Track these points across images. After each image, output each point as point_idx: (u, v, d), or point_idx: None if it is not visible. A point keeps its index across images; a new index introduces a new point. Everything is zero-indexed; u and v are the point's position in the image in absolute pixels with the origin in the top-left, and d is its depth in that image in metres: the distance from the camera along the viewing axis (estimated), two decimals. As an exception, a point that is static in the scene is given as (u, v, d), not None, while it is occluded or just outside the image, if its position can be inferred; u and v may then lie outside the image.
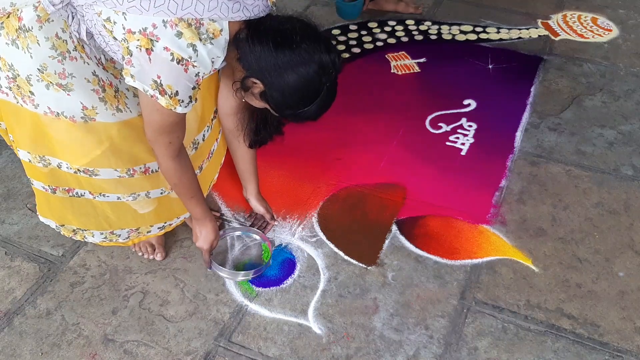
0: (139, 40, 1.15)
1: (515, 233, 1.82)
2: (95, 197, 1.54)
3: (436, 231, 1.83)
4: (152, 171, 1.52)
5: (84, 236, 1.66)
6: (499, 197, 1.94)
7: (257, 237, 1.81)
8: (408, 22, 2.78)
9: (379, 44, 2.64)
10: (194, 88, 1.23)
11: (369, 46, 2.63)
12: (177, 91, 1.20)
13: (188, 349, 1.55)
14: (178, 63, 1.16)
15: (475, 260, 1.75)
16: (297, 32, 1.24)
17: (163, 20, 1.13)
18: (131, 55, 1.18)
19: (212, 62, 1.20)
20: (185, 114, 1.29)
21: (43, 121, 1.36)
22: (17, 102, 1.36)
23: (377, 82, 2.43)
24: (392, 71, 2.48)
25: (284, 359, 1.53)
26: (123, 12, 1.15)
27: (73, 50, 1.27)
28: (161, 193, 1.59)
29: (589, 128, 2.20)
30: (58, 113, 1.34)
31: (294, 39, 1.23)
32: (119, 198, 1.54)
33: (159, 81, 1.18)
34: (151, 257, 1.76)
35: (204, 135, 1.62)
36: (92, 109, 1.33)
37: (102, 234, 1.65)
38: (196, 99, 1.28)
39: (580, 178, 2.00)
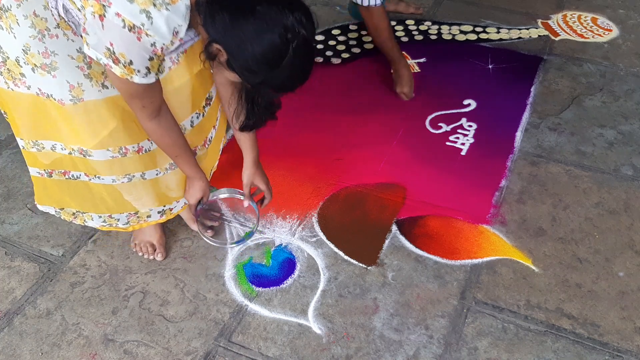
0: (92, 6, 1.09)
1: (515, 233, 1.82)
2: (90, 179, 1.53)
3: (436, 231, 1.83)
4: (146, 150, 1.50)
5: (84, 220, 1.65)
6: (499, 197, 1.94)
7: (247, 201, 1.75)
8: (408, 22, 2.78)
9: (378, 43, 2.64)
10: (151, 59, 1.16)
11: (369, 46, 2.63)
12: (130, 60, 1.14)
13: (188, 349, 1.55)
14: (130, 31, 1.10)
15: (475, 260, 1.75)
16: None
17: None
18: (86, 23, 1.13)
19: (175, 31, 1.13)
20: (155, 81, 1.24)
21: (42, 102, 1.36)
22: (8, 87, 1.36)
23: (377, 82, 2.43)
24: (392, 71, 2.47)
25: (284, 359, 1.53)
26: None
27: (54, 28, 1.25)
28: (157, 174, 1.57)
29: (589, 128, 2.20)
30: (48, 95, 1.34)
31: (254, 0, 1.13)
32: (114, 181, 1.53)
33: (112, 49, 1.13)
34: (151, 257, 1.76)
35: (191, 122, 1.57)
36: (79, 86, 1.32)
37: (100, 217, 1.63)
38: (160, 71, 1.22)
39: (580, 178, 2.00)
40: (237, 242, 1.77)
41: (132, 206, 1.62)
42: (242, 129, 1.50)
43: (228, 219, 1.88)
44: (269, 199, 1.74)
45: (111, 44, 1.12)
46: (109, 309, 1.65)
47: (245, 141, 1.63)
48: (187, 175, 1.59)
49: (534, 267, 1.73)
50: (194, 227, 1.82)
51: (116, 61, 1.14)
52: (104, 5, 1.08)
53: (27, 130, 1.46)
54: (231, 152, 2.10)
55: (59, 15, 1.24)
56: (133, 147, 1.47)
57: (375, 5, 2.14)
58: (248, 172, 1.69)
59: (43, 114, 1.40)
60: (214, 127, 1.72)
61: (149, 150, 1.51)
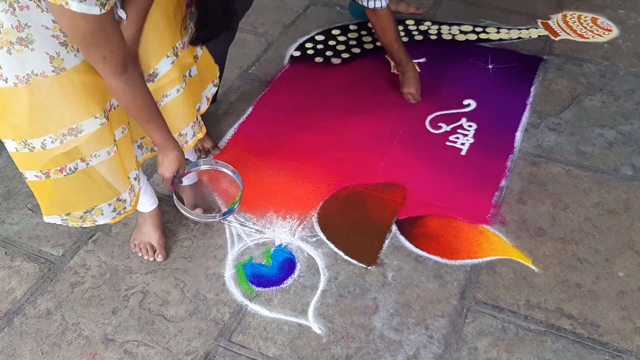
0: None
1: (515, 233, 1.82)
2: (88, 163, 1.46)
3: (436, 231, 1.83)
4: (115, 107, 1.44)
5: (93, 219, 1.58)
6: (499, 197, 1.94)
7: (228, 172, 1.67)
8: (408, 22, 2.78)
9: (379, 44, 2.63)
10: None
11: (369, 46, 2.63)
12: None
13: (188, 349, 1.55)
14: None
15: (475, 260, 1.75)
16: None
17: None
18: None
19: None
20: (107, 22, 1.17)
21: (19, 91, 1.31)
22: None
23: (377, 82, 2.43)
24: (392, 71, 2.47)
25: (284, 359, 1.53)
26: None
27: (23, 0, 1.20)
28: (122, 132, 1.50)
29: (589, 128, 2.20)
30: (28, 75, 1.28)
31: None
32: (108, 153, 1.46)
33: None
34: (151, 258, 1.76)
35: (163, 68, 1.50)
36: (57, 55, 1.28)
37: (109, 205, 1.56)
38: (104, 3, 1.14)
39: (580, 178, 2.00)
40: (225, 214, 1.68)
41: (125, 176, 1.55)
42: (194, 41, 1.36)
43: (228, 219, 1.87)
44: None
45: None
46: (109, 309, 1.65)
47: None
48: (159, 145, 1.48)
49: (534, 267, 1.73)
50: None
51: None
52: None
53: (18, 129, 1.39)
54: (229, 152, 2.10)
55: None
56: (110, 103, 1.40)
57: (382, 7, 2.14)
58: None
59: (14, 105, 1.33)
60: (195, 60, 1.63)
61: (118, 106, 1.44)
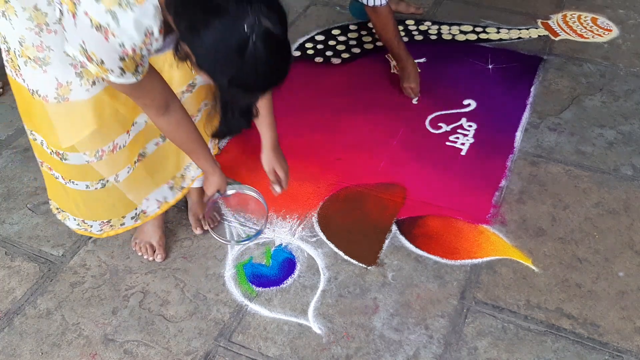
0: (67, 3, 1.09)
1: (515, 233, 1.82)
2: (66, 183, 1.52)
3: (436, 231, 1.83)
4: (120, 147, 1.48)
5: (64, 217, 1.66)
6: (499, 197, 1.94)
7: (254, 195, 1.77)
8: (408, 22, 2.78)
9: (379, 44, 2.64)
10: (122, 59, 1.13)
11: (369, 46, 2.63)
12: (102, 60, 1.13)
13: (188, 349, 1.55)
14: (97, 30, 1.09)
15: (475, 260, 1.75)
16: None
17: None
18: (63, 19, 1.13)
19: (147, 32, 1.11)
20: (144, 82, 1.22)
21: (30, 96, 1.37)
22: (13, 76, 1.38)
23: (377, 82, 2.43)
24: (392, 71, 2.48)
25: (284, 359, 1.53)
26: None
27: (53, 24, 1.25)
28: (128, 172, 1.54)
29: (589, 128, 2.20)
30: (33, 91, 1.34)
31: None
32: (87, 187, 1.52)
33: (84, 47, 1.12)
34: (151, 258, 1.76)
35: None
36: (67, 85, 1.32)
37: (75, 220, 1.63)
38: (139, 72, 1.20)
39: (580, 178, 2.00)
40: (243, 241, 1.77)
41: (105, 214, 1.61)
42: (214, 135, 1.44)
43: (228, 219, 1.88)
44: (284, 188, 1.70)
45: (83, 42, 1.12)
46: (109, 309, 1.65)
47: (262, 121, 1.56)
48: (202, 169, 1.59)
49: (533, 267, 1.73)
50: (197, 231, 1.83)
51: (89, 59, 1.14)
52: (74, 3, 1.08)
53: (26, 119, 1.48)
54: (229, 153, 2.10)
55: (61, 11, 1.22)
56: (108, 146, 1.45)
57: (382, 4, 2.16)
58: (267, 156, 1.64)
59: (33, 109, 1.40)
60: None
61: (123, 147, 1.48)
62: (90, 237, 1.83)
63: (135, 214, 1.66)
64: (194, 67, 1.18)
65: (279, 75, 1.15)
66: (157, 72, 1.30)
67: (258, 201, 1.80)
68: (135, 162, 1.56)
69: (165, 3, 1.11)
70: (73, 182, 1.51)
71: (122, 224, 1.66)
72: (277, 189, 1.69)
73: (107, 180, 1.53)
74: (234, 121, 1.36)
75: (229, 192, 1.74)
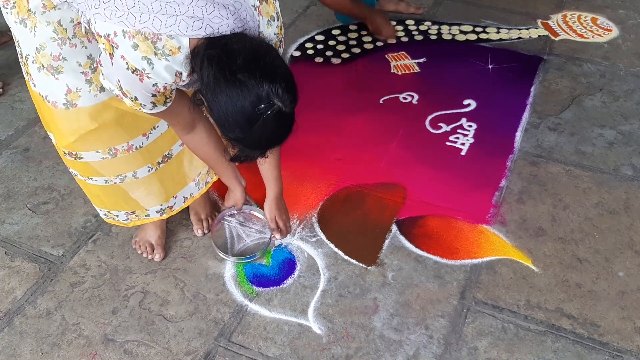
0: (104, 44, 1.17)
1: (515, 233, 1.82)
2: (85, 179, 1.57)
3: (436, 231, 1.83)
4: (136, 148, 1.52)
5: (95, 207, 1.72)
6: (498, 197, 1.94)
7: (261, 217, 1.84)
8: (408, 22, 2.78)
9: (379, 44, 2.64)
10: (154, 96, 1.23)
11: (369, 46, 2.63)
12: (135, 97, 1.22)
13: (188, 349, 1.55)
14: (133, 73, 1.17)
15: (475, 260, 1.75)
16: (242, 54, 1.15)
17: (123, 30, 1.14)
18: (100, 55, 1.23)
19: (176, 74, 1.20)
20: (172, 107, 1.30)
21: (42, 100, 1.42)
22: (27, 79, 1.43)
23: (377, 82, 2.43)
24: (392, 71, 2.48)
25: (284, 359, 1.53)
26: (93, 15, 1.17)
27: (73, 38, 1.31)
28: (148, 171, 1.59)
29: (589, 128, 2.20)
30: (44, 96, 1.39)
31: (235, 61, 1.14)
32: (106, 181, 1.56)
33: (119, 84, 1.21)
34: (149, 257, 1.76)
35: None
36: (77, 91, 1.37)
37: (101, 210, 1.68)
38: (168, 102, 1.28)
39: (580, 178, 2.00)
40: (242, 260, 1.76)
41: (127, 205, 1.64)
42: (233, 159, 1.48)
43: (227, 219, 1.88)
44: (284, 237, 1.79)
45: (118, 80, 1.21)
46: (109, 309, 1.65)
47: (269, 174, 1.69)
48: (226, 184, 1.68)
49: (533, 267, 1.73)
50: (198, 233, 1.85)
51: (124, 94, 1.23)
52: (112, 46, 1.16)
53: (42, 121, 1.53)
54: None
55: (86, 29, 1.28)
56: (122, 146, 1.50)
57: None
58: (270, 206, 1.75)
59: (44, 112, 1.45)
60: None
61: (139, 148, 1.53)
62: (91, 237, 1.84)
63: (161, 208, 1.69)
64: (207, 113, 1.28)
65: (280, 141, 1.29)
66: (184, 95, 1.37)
67: (264, 224, 1.84)
68: (159, 163, 1.60)
69: (192, 54, 1.17)
70: (91, 179, 1.56)
71: (147, 215, 1.69)
72: (278, 236, 1.78)
73: (125, 176, 1.56)
74: (248, 154, 1.43)
75: (245, 210, 1.84)
